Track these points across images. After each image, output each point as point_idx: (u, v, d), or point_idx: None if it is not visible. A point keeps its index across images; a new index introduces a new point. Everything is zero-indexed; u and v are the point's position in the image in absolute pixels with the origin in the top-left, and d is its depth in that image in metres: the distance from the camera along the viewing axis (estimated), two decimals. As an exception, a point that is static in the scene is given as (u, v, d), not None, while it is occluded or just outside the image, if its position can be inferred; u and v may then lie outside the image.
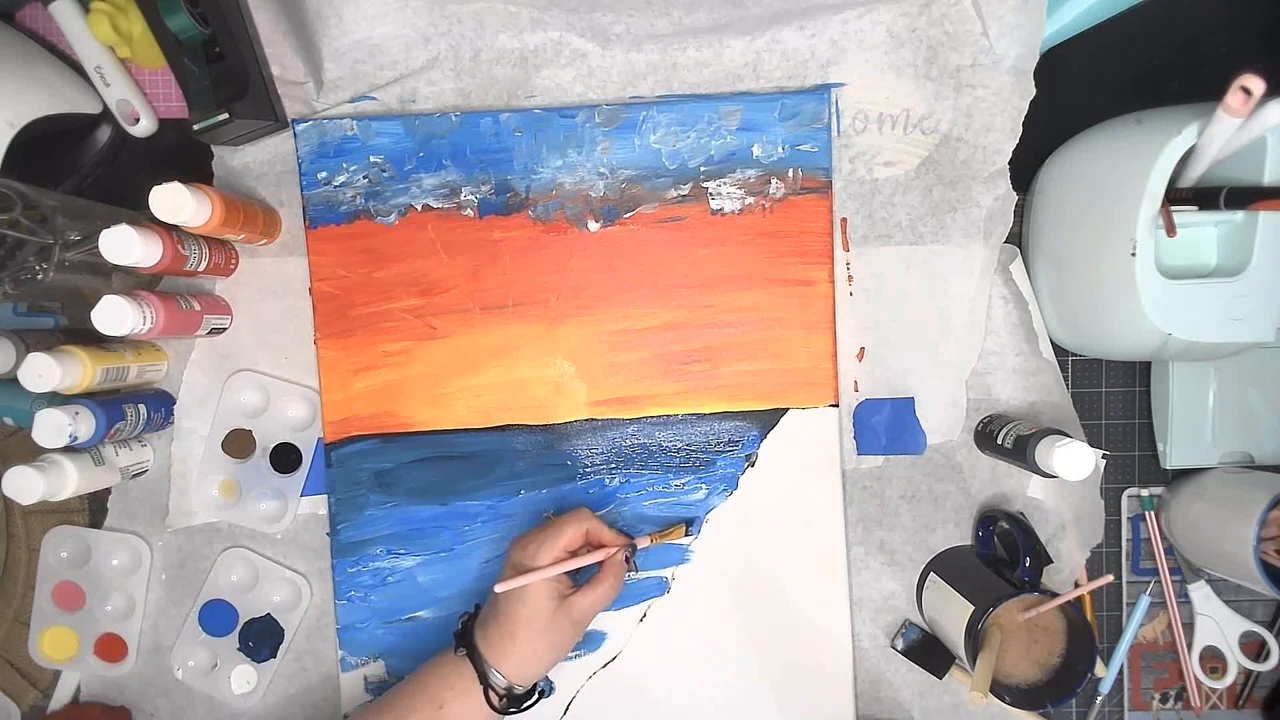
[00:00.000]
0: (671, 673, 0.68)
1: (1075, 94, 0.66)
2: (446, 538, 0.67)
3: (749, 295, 0.66)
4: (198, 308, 0.63)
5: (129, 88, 0.66)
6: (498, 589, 0.57)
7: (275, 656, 0.68)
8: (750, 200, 0.66)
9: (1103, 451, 0.69)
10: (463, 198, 0.66)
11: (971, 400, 0.67)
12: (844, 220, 0.67)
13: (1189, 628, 0.70)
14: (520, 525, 0.67)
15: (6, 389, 0.61)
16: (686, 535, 0.67)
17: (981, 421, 0.67)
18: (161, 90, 0.67)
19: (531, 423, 0.67)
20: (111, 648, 0.68)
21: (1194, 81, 0.67)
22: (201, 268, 0.62)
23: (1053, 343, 0.67)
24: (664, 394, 0.67)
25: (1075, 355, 0.69)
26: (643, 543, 0.64)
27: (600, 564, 0.61)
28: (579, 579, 0.61)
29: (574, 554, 0.60)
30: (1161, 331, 0.57)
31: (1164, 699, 0.71)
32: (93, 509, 0.69)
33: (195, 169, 0.67)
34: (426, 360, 0.67)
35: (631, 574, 0.65)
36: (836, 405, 0.67)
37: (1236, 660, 0.69)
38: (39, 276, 0.54)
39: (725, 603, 0.67)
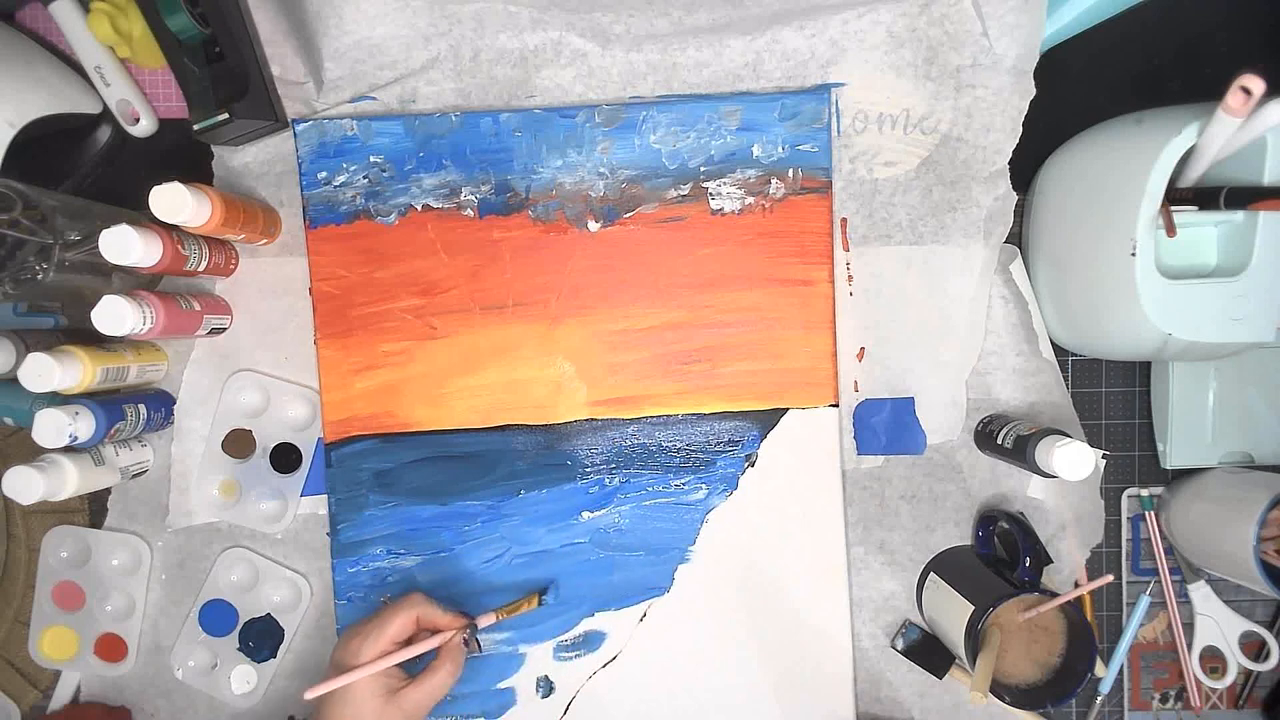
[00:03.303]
0: (671, 673, 0.68)
1: (1075, 94, 0.66)
2: (446, 538, 0.67)
3: (749, 295, 0.66)
4: (198, 308, 0.63)
5: (129, 88, 0.66)
6: (307, 695, 0.54)
7: (275, 656, 0.68)
8: (750, 200, 0.66)
9: (1103, 451, 0.69)
10: (463, 198, 0.66)
11: (971, 400, 0.67)
12: (844, 220, 0.67)
13: (1189, 628, 0.70)
14: (520, 525, 0.67)
15: (6, 389, 0.61)
16: (540, 603, 0.65)
17: (981, 421, 0.67)
18: (161, 90, 0.67)
19: (531, 423, 0.67)
20: (111, 648, 0.68)
21: (1194, 81, 0.67)
22: (201, 268, 0.62)
23: (1053, 343, 0.67)
24: (664, 394, 0.67)
25: (1075, 355, 0.69)
26: (486, 620, 0.61)
27: (438, 650, 0.58)
28: (417, 667, 0.58)
29: (409, 642, 0.57)
30: (1161, 331, 0.57)
31: (1164, 699, 0.71)
32: (93, 509, 0.69)
33: (195, 169, 0.67)
34: (426, 360, 0.67)
35: (475, 654, 0.61)
36: (836, 405, 0.67)
37: (1236, 660, 0.69)
38: (39, 276, 0.54)
39: (725, 603, 0.67)
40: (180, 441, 0.68)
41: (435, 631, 0.59)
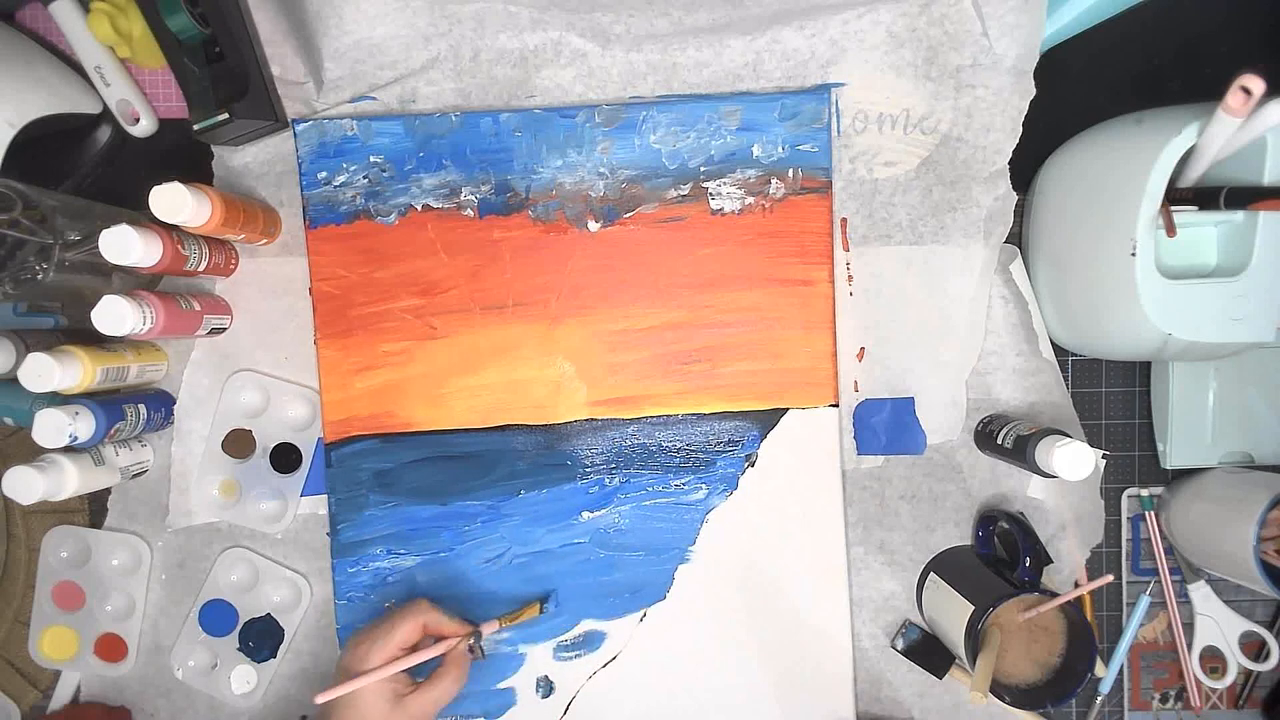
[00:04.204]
0: (671, 673, 0.68)
1: (1075, 94, 0.66)
2: (446, 538, 0.67)
3: (749, 295, 0.66)
4: (198, 308, 0.63)
5: (129, 88, 0.66)
6: (318, 699, 0.54)
7: (275, 656, 0.68)
8: (750, 200, 0.66)
9: (1103, 451, 0.69)
10: (463, 198, 0.66)
11: (971, 400, 0.67)
12: (844, 220, 0.67)
13: (1189, 628, 0.70)
14: (520, 525, 0.67)
15: (6, 389, 0.61)
16: (541, 612, 0.66)
17: (981, 421, 0.67)
18: (161, 90, 0.67)
19: (531, 423, 0.67)
20: (111, 648, 0.68)
21: (1194, 81, 0.67)
22: (201, 268, 0.62)
23: (1053, 343, 0.67)
24: (664, 394, 0.67)
25: (1075, 355, 0.69)
26: (489, 628, 0.62)
27: (443, 657, 0.59)
28: (422, 673, 0.59)
29: (414, 648, 0.58)
30: (1161, 331, 0.57)
31: (1164, 699, 0.71)
32: (93, 509, 0.69)
33: (195, 169, 0.67)
34: (426, 360, 0.67)
35: (481, 660, 0.61)
36: (836, 405, 0.67)
37: (1236, 660, 0.69)
38: (39, 276, 0.54)
39: (725, 603, 0.67)
40: (180, 441, 0.68)
41: (440, 638, 0.60)
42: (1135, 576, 0.70)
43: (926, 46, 0.64)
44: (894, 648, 0.68)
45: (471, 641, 0.60)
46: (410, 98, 0.66)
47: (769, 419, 0.67)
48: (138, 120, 0.66)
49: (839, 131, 0.66)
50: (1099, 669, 0.69)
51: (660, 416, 0.67)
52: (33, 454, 0.60)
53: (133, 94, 0.66)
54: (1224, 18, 0.67)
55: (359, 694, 0.55)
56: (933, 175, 0.66)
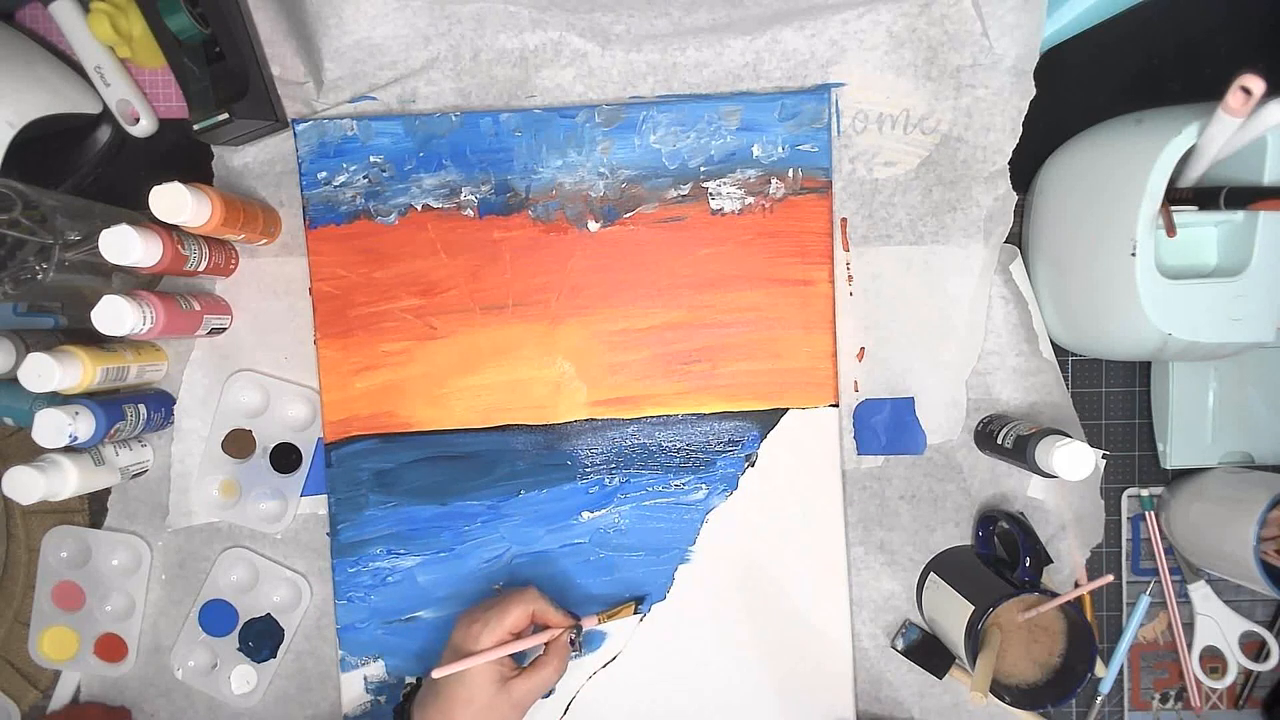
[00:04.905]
0: (671, 673, 0.68)
1: (1075, 94, 0.66)
2: (446, 538, 0.67)
3: (749, 295, 0.66)
4: (198, 308, 0.63)
5: (129, 88, 0.66)
6: (435, 674, 0.56)
7: (275, 656, 0.68)
8: (750, 200, 0.66)
9: (1103, 451, 0.69)
10: (463, 198, 0.66)
11: (971, 400, 0.67)
12: (844, 220, 0.67)
13: (1189, 628, 0.70)
14: (520, 525, 0.67)
15: (6, 389, 0.61)
16: (636, 613, 0.66)
17: (981, 421, 0.67)
18: (161, 90, 0.67)
19: (531, 423, 0.67)
20: (111, 648, 0.68)
21: (1194, 81, 0.67)
22: (201, 268, 0.62)
23: (1053, 343, 0.67)
24: (664, 394, 0.67)
25: (1075, 355, 0.69)
26: (589, 623, 0.63)
27: (545, 645, 0.60)
28: (523, 659, 0.61)
29: (518, 635, 0.59)
30: (1161, 331, 0.57)
31: (1164, 699, 0.71)
32: (93, 509, 0.69)
33: (195, 169, 0.67)
34: (426, 360, 0.67)
35: (577, 655, 0.63)
36: (836, 405, 0.67)
37: (1236, 660, 0.69)
38: (39, 276, 0.54)
39: (725, 603, 0.67)
40: (180, 441, 0.68)
41: (544, 626, 0.60)
42: (1135, 576, 0.70)
43: (926, 46, 0.64)
44: (894, 648, 0.68)
45: (574, 635, 0.61)
46: (410, 98, 0.66)
47: (769, 419, 0.67)
48: (138, 120, 0.66)
49: (839, 131, 0.66)
50: (1099, 669, 0.69)
51: (660, 416, 0.67)
52: (33, 454, 0.60)
53: (133, 94, 0.66)
54: (1224, 18, 0.67)
55: (469, 673, 0.56)
56: (933, 175, 0.66)
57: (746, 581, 0.67)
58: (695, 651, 0.67)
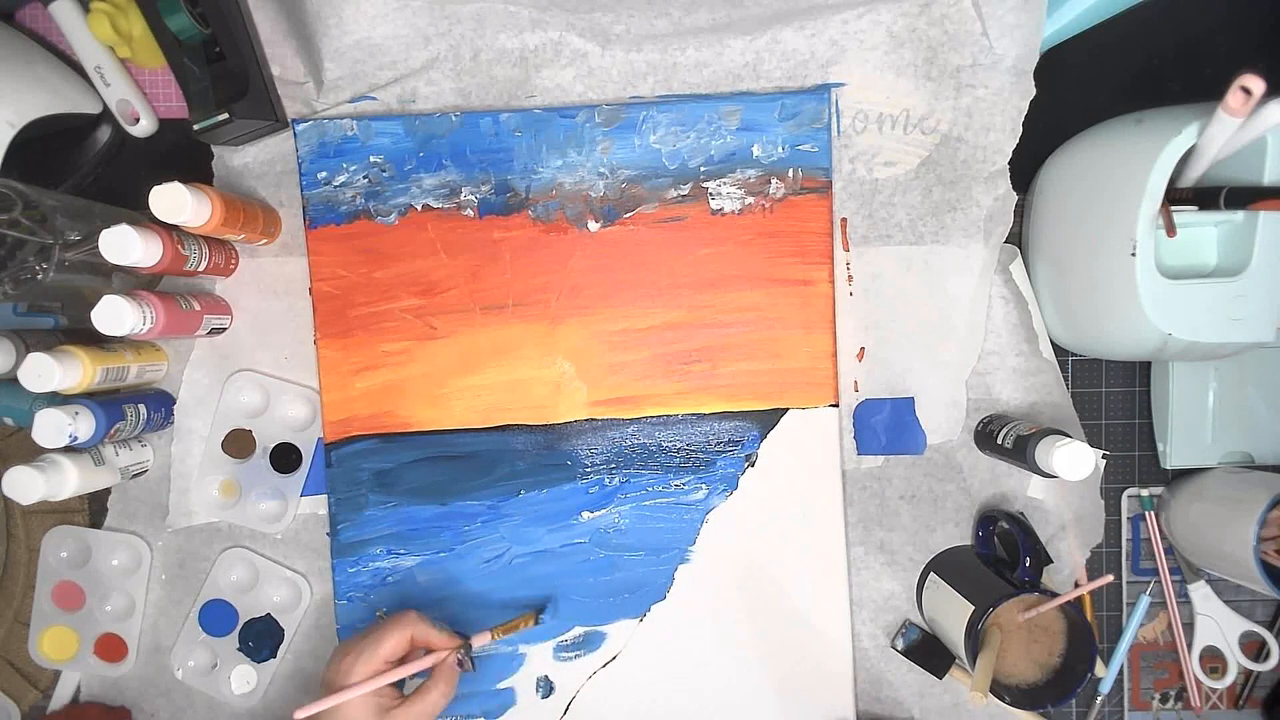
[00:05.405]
0: (671, 673, 0.68)
1: (1075, 94, 0.66)
2: (446, 538, 0.67)
3: (749, 295, 0.66)
4: (198, 308, 0.63)
5: (129, 88, 0.66)
6: (297, 715, 0.53)
7: (275, 656, 0.68)
8: (750, 200, 0.66)
9: (1103, 451, 0.69)
10: (463, 198, 0.66)
11: (971, 400, 0.67)
12: (844, 220, 0.67)
13: (1189, 628, 0.70)
14: (520, 525, 0.67)
15: (6, 389, 0.61)
16: (536, 623, 0.65)
17: (981, 421, 0.67)
18: (161, 90, 0.67)
19: (531, 423, 0.67)
20: (111, 648, 0.68)
21: (1194, 81, 0.67)
22: (201, 268, 0.62)
23: (1053, 343, 0.67)
24: (664, 394, 0.67)
25: (1075, 355, 0.69)
26: (481, 640, 0.61)
27: (431, 669, 0.58)
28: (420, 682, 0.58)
29: (401, 661, 0.57)
30: (1161, 331, 0.57)
31: (1164, 699, 0.71)
32: (93, 509, 0.69)
33: (195, 169, 0.67)
34: (426, 360, 0.67)
35: (469, 672, 0.60)
36: (836, 405, 0.67)
37: (1236, 660, 0.69)
38: (39, 276, 0.54)
39: (725, 603, 0.67)
40: (180, 441, 0.68)
41: (429, 650, 0.59)
42: (1135, 576, 0.70)
43: (926, 46, 0.64)
44: (894, 648, 0.68)
45: (461, 655, 0.59)
46: (410, 98, 0.66)
47: (769, 419, 0.67)
48: (138, 120, 0.66)
49: (839, 131, 0.66)
50: (1099, 669, 0.69)
51: (660, 416, 0.67)
52: (33, 454, 0.60)
53: (133, 94, 0.66)
54: (1224, 18, 0.67)
55: (343, 709, 0.54)
56: (933, 175, 0.66)
57: (746, 581, 0.67)
58: (695, 651, 0.67)
